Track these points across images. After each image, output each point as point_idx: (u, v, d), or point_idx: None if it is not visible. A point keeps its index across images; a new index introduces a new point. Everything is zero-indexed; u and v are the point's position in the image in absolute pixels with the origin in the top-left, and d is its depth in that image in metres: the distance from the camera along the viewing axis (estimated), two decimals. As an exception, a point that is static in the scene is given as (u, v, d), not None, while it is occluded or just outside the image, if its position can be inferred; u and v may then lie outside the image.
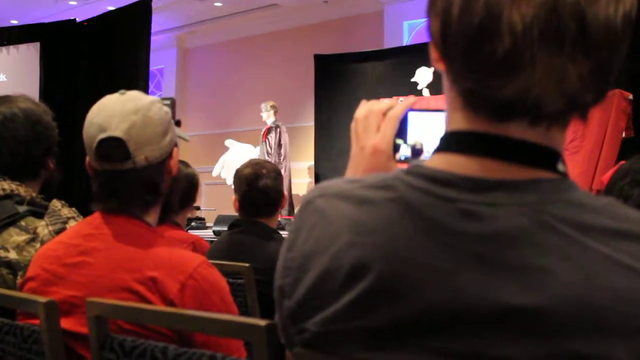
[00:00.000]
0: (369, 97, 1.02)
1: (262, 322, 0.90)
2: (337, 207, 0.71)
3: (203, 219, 7.75)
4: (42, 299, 1.20)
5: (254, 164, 2.61)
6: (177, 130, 1.52)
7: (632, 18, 0.63)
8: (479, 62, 0.63)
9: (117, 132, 1.34)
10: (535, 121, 0.64)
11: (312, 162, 8.63)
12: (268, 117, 7.92)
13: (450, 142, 0.70)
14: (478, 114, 0.67)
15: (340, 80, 8.17)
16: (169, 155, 1.44)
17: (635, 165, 1.35)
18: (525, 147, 0.66)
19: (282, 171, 7.56)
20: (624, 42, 0.63)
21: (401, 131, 0.92)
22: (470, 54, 0.63)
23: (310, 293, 0.70)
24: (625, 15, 0.62)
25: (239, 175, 2.59)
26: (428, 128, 0.93)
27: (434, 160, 0.70)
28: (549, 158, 0.67)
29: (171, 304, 1.25)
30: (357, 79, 8.04)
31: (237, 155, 7.86)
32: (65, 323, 1.25)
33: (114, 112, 1.35)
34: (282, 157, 7.85)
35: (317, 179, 8.27)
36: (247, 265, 2.21)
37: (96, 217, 1.40)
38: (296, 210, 0.78)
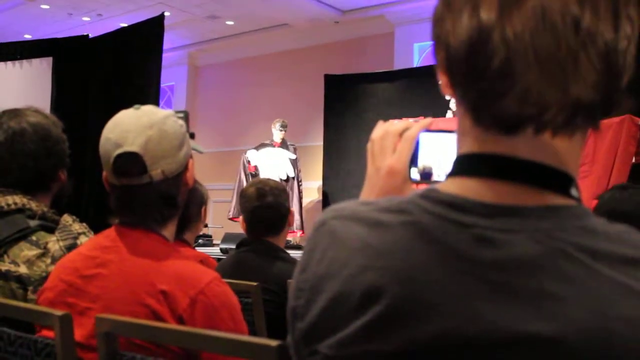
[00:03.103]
0: (379, 118, 1.02)
1: (273, 343, 0.90)
2: (350, 229, 0.71)
3: (210, 237, 7.74)
4: (57, 312, 1.20)
5: (257, 182, 2.64)
6: (192, 143, 1.53)
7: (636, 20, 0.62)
8: (479, 75, 0.63)
9: (133, 147, 1.35)
10: (540, 128, 0.63)
11: (321, 182, 8.64)
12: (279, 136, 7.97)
13: (462, 166, 0.70)
14: (485, 131, 0.66)
15: (350, 100, 8.19)
16: (185, 167, 1.45)
17: (612, 204, 1.36)
18: (537, 170, 0.66)
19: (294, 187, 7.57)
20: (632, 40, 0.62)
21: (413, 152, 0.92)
22: (471, 70, 0.64)
23: (323, 315, 0.70)
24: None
25: (243, 194, 2.61)
26: (440, 149, 0.92)
27: (448, 185, 0.70)
28: (562, 182, 0.67)
29: (180, 318, 1.25)
30: (367, 100, 8.06)
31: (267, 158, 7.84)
32: (77, 335, 1.24)
33: (129, 127, 1.36)
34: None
35: (326, 198, 8.26)
36: (255, 284, 2.21)
37: (113, 230, 1.41)
38: (309, 231, 0.77)
